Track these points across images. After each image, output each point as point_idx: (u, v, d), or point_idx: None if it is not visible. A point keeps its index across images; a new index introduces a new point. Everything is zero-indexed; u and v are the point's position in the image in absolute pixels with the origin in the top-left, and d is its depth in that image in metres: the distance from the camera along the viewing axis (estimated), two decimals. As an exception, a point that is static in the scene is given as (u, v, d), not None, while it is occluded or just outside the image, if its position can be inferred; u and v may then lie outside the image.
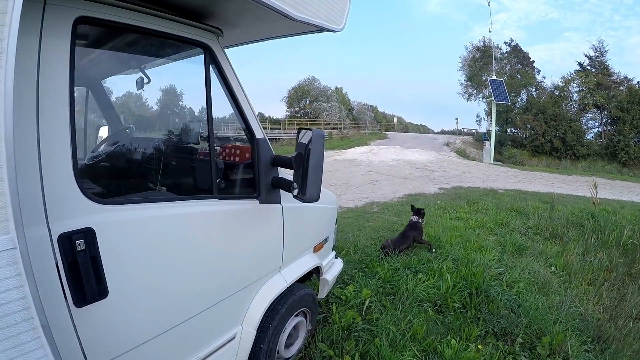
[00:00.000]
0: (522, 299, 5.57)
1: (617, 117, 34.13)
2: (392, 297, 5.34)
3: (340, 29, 3.29)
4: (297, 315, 3.65)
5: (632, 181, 25.89)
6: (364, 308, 4.98)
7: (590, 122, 37.26)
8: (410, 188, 14.35)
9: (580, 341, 4.94)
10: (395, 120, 68.56)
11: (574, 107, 36.60)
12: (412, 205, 7.37)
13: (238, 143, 3.45)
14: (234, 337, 2.81)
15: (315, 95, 60.66)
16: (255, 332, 2.94)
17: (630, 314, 5.95)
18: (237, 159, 3.27)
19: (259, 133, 2.83)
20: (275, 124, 56.65)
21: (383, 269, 5.96)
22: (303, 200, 2.56)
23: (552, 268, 7.20)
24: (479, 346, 4.50)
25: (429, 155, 27.12)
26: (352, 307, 4.98)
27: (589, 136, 36.48)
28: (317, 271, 4.14)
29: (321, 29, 3.17)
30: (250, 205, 2.79)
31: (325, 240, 4.19)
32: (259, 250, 2.98)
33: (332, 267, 4.53)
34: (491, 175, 21.02)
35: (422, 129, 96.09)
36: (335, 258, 4.75)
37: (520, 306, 5.38)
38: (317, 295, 4.39)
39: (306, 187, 2.50)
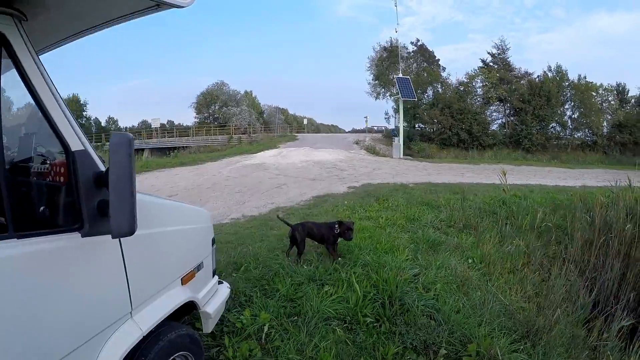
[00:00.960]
0: (441, 302, 5.03)
1: (520, 108, 36.18)
2: (295, 318, 4.58)
3: (188, 4, 2.45)
4: None
5: (536, 165, 27.50)
6: (263, 335, 4.19)
7: (495, 114, 39.30)
8: (319, 189, 13.71)
9: (510, 341, 4.50)
10: (305, 121, 67.89)
11: (478, 100, 38.17)
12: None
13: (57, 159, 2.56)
14: None
15: (224, 100, 58.37)
16: None
17: (556, 301, 5.69)
18: (51, 178, 2.44)
19: (75, 144, 2.14)
20: (183, 131, 54.75)
21: (285, 285, 5.14)
22: (112, 235, 1.92)
23: (470, 261, 6.85)
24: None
25: (338, 154, 26.75)
26: (250, 336, 4.18)
27: (494, 127, 38.54)
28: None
29: (158, 4, 2.38)
30: (68, 242, 2.07)
31: (199, 268, 3.39)
32: (90, 297, 2.21)
33: (215, 297, 3.75)
34: (401, 170, 20.94)
35: (333, 129, 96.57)
36: (220, 283, 4.02)
37: (439, 311, 4.82)
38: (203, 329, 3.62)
39: (110, 215, 1.91)
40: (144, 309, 2.59)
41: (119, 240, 2.30)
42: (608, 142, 35.36)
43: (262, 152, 28.17)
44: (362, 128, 52.81)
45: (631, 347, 5.15)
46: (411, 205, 10.43)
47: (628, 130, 34.75)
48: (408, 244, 7.15)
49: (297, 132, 52.59)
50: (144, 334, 2.52)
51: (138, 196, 2.10)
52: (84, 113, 67.09)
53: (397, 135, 30.55)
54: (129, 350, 2.38)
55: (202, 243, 3.53)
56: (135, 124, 74.91)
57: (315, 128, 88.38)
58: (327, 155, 25.80)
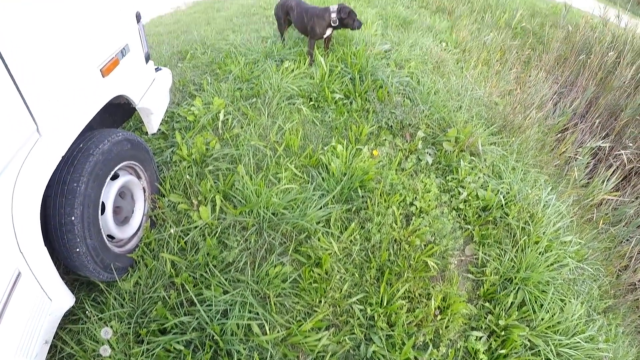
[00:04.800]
0: (415, 80, 4.47)
1: None
2: (254, 99, 3.92)
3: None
4: (115, 177, 2.39)
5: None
6: (219, 124, 3.56)
7: None
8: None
9: (489, 133, 4.10)
10: None
11: None
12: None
13: None
14: (18, 275, 1.67)
15: None
16: (44, 247, 1.82)
17: (531, 103, 5.32)
18: None
19: None
20: None
21: (238, 65, 4.36)
22: None
23: (444, 45, 6.23)
24: (374, 152, 3.34)
25: None
26: (205, 127, 3.54)
27: None
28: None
29: None
30: None
31: (123, 52, 2.49)
32: None
33: (153, 86, 3.00)
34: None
35: None
36: (158, 70, 3.24)
37: (415, 90, 4.28)
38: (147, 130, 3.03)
39: None
40: (55, 121, 1.84)
41: None
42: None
43: None
44: None
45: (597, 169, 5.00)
46: (377, -20, 9.23)
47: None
48: (376, 20, 6.29)
49: None
50: (64, 154, 1.90)
51: None
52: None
53: None
54: (49, 178, 1.82)
55: (121, 19, 2.58)
56: None
57: None
58: None
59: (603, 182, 4.44)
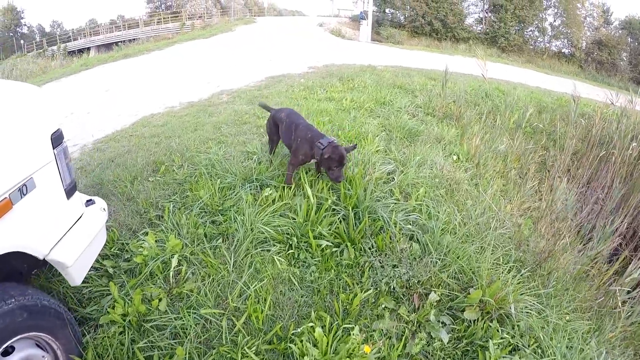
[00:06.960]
0: (426, 214, 3.58)
1: (500, 4, 34.41)
2: (219, 241, 3.16)
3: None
4: (10, 351, 1.77)
5: (512, 65, 26.04)
6: (171, 274, 2.80)
7: (472, 7, 37.10)
8: (274, 69, 11.90)
9: (520, 280, 3.14)
10: (266, 4, 64.46)
11: (456, -11, 36.05)
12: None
13: None
14: None
15: (177, -16, 53.77)
16: None
17: (569, 229, 4.50)
18: None
19: None
20: (133, 23, 49.89)
21: (209, 189, 3.61)
22: None
23: (454, 157, 5.51)
24: (366, 349, 2.38)
25: (299, 34, 24.72)
26: (153, 275, 2.81)
27: (469, 20, 36.84)
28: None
29: None
30: None
31: (23, 191, 1.84)
32: None
33: (75, 230, 2.25)
34: (368, 52, 19.22)
35: (297, 14, 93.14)
36: (90, 203, 2.50)
37: (425, 228, 3.38)
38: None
39: None
40: None
41: None
42: (586, 57, 34.85)
43: (216, 35, 25.70)
44: (328, 14, 49.93)
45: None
46: (381, 88, 8.75)
47: (607, 50, 34.33)
48: (378, 132, 5.63)
49: (257, 16, 49.33)
50: None
51: None
52: (22, 21, 58.43)
53: (365, 18, 28.69)
54: None
55: (24, 144, 1.89)
56: (83, 24, 68.28)
57: (278, 12, 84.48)
58: (286, 35, 23.81)
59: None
